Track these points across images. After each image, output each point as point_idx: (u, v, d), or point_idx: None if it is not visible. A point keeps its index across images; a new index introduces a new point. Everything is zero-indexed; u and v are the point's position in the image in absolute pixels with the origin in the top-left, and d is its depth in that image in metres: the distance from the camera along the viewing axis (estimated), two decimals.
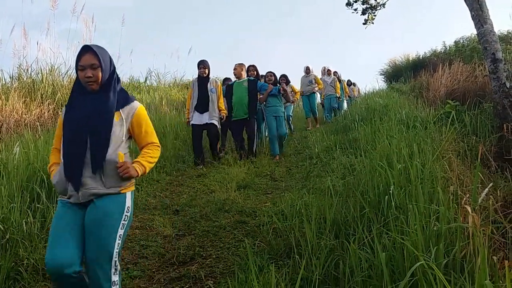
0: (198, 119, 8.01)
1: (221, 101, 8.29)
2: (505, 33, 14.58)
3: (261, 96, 8.86)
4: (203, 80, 8.18)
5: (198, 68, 8.21)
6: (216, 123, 8.08)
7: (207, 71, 8.19)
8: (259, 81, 9.06)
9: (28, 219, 3.78)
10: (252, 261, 2.97)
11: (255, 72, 9.00)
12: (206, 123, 7.97)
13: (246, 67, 9.16)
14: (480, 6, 6.62)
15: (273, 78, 9.39)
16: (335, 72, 15.41)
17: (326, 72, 14.91)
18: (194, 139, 8.08)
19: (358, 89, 21.21)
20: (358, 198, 3.72)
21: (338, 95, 14.68)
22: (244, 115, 8.51)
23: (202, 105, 8.03)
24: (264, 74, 10.16)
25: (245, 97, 8.53)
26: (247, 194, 5.77)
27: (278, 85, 9.31)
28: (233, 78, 9.16)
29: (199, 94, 8.09)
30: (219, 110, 8.18)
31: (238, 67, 8.80)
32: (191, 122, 8.08)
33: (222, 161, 8.00)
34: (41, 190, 4.26)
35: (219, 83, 8.42)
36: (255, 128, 8.79)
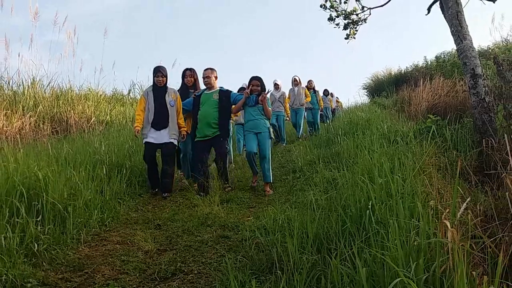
0: (154, 137, 6.69)
1: (181, 116, 7.08)
2: (485, 49, 14.83)
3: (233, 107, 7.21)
4: (160, 90, 6.86)
5: (154, 76, 6.89)
6: (175, 142, 6.89)
7: (165, 80, 6.92)
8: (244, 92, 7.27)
9: (7, 234, 3.72)
10: (233, 276, 2.96)
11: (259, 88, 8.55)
12: (164, 142, 6.72)
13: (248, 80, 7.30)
14: (460, 22, 6.73)
15: (259, 88, 7.05)
16: (310, 81, 14.65)
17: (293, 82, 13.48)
18: (148, 161, 6.67)
19: (336, 99, 21.22)
20: (340, 212, 3.74)
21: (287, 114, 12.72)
22: (210, 134, 6.87)
23: (160, 121, 6.74)
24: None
25: (213, 112, 6.92)
26: (230, 208, 5.75)
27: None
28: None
29: (156, 108, 6.76)
30: (179, 127, 7.00)
31: (210, 73, 7.11)
32: (146, 140, 6.69)
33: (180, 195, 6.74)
34: (21, 204, 4.20)
35: (178, 94, 7.11)
36: (227, 148, 7.28)
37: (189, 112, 7.26)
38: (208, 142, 6.91)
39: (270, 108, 7.06)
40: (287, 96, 12.80)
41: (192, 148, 7.24)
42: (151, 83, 7.05)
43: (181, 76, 7.74)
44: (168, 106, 6.81)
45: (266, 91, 7.18)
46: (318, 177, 6.07)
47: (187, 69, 7.69)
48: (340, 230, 3.49)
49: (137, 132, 6.68)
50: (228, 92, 7.17)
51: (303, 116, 13.53)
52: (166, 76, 6.95)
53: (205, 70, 7.19)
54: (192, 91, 7.51)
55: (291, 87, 13.36)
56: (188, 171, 7.45)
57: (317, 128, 14.31)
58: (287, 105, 12.69)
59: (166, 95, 6.84)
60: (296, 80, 13.28)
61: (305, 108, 13.68)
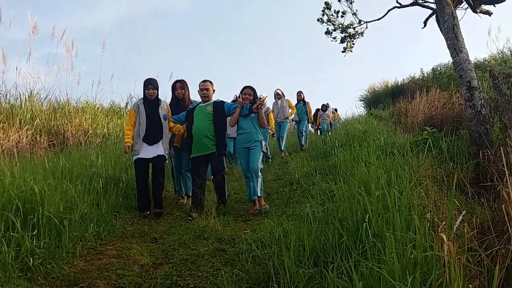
0: (146, 152, 6.35)
1: (172, 125, 6.74)
2: (482, 61, 14.89)
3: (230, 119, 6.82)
4: (152, 103, 6.53)
5: (145, 89, 6.53)
6: (166, 156, 6.58)
7: (156, 93, 6.58)
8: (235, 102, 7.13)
9: (2, 248, 3.70)
10: None
11: (252, 97, 8.38)
12: (155, 156, 6.38)
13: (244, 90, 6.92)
14: (456, 35, 6.77)
15: (251, 98, 6.74)
16: (299, 93, 14.29)
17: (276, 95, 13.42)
18: (139, 178, 6.39)
19: (333, 110, 21.07)
20: (336, 225, 3.73)
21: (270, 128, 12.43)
22: (206, 150, 6.50)
23: (154, 135, 6.40)
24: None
25: (208, 125, 6.54)
26: (227, 221, 5.73)
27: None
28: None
29: (149, 122, 6.40)
30: (170, 128, 6.69)
31: (208, 85, 6.82)
32: (137, 156, 6.33)
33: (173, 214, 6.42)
34: (16, 218, 4.17)
35: (168, 107, 6.84)
36: (224, 164, 6.77)
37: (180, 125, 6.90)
38: (205, 158, 6.54)
39: (264, 117, 6.71)
40: (270, 110, 12.65)
41: (178, 157, 7.12)
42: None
43: (171, 89, 7.37)
44: (162, 119, 6.49)
45: (260, 98, 6.93)
46: (315, 189, 6.06)
47: (177, 81, 7.35)
48: (336, 243, 3.47)
49: (128, 148, 6.29)
50: (222, 103, 6.82)
51: (286, 129, 13.31)
52: (157, 88, 6.61)
53: (203, 82, 6.85)
54: (183, 103, 7.18)
55: (274, 100, 13.36)
56: (180, 186, 7.23)
57: (305, 141, 14.33)
58: (272, 120, 12.57)
59: (159, 109, 6.53)
60: (279, 94, 13.16)
61: (292, 120, 13.79)
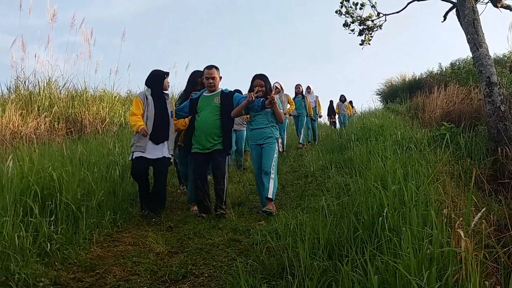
0: (150, 151, 5.57)
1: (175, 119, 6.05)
2: (501, 56, 14.71)
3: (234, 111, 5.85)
4: (162, 96, 5.83)
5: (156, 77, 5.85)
6: (171, 157, 5.90)
7: (168, 86, 5.97)
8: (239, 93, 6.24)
9: (21, 233, 3.75)
10: (244, 280, 2.96)
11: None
12: (159, 157, 5.63)
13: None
14: (476, 30, 6.69)
15: (263, 89, 5.87)
16: (298, 86, 13.52)
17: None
18: (140, 178, 5.65)
19: (348, 104, 20.57)
20: (352, 219, 3.72)
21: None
22: (210, 147, 5.72)
23: (161, 133, 5.66)
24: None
25: (214, 120, 5.73)
26: (241, 212, 5.75)
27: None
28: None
29: (157, 117, 5.64)
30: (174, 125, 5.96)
31: (215, 72, 5.88)
32: (141, 154, 5.51)
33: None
34: (34, 204, 4.23)
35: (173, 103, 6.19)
36: (226, 166, 6.04)
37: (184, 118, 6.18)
38: (207, 155, 5.76)
39: (281, 111, 5.91)
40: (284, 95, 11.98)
41: (184, 162, 6.33)
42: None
43: (190, 78, 6.54)
44: (169, 116, 5.81)
45: (273, 91, 5.89)
46: (330, 183, 6.05)
47: (198, 72, 6.41)
48: (352, 237, 3.47)
49: (145, 129, 5.45)
50: (231, 93, 5.91)
51: (286, 126, 12.48)
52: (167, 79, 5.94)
53: (208, 68, 5.90)
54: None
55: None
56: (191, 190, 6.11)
57: (313, 135, 14.09)
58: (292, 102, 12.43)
59: (167, 104, 5.84)
60: (277, 88, 11.47)
61: (291, 115, 13.21)
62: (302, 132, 13.35)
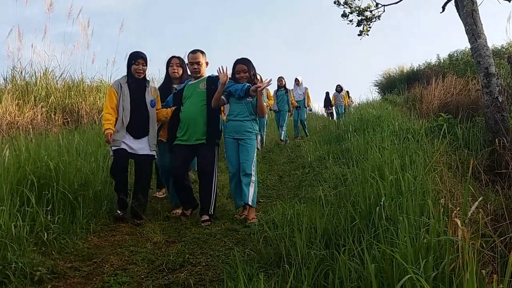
0: (130, 145, 5.00)
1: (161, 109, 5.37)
2: (499, 48, 14.70)
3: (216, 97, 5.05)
4: (139, 84, 5.15)
5: (132, 63, 5.11)
6: (155, 155, 5.22)
7: (146, 70, 5.23)
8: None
9: (18, 223, 3.74)
10: (241, 269, 2.96)
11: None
12: (140, 154, 5.05)
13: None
14: (474, 21, 6.67)
15: (247, 74, 5.17)
16: (280, 78, 12.59)
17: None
18: (118, 173, 5.00)
19: (345, 93, 19.84)
20: (349, 208, 3.72)
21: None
22: (197, 139, 5.07)
23: (139, 126, 5.06)
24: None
25: (201, 107, 5.10)
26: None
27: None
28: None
29: (133, 107, 5.04)
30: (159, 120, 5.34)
31: (200, 57, 5.26)
32: (119, 146, 4.93)
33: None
34: (31, 193, 4.22)
35: (158, 92, 5.43)
36: (216, 159, 5.19)
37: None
38: (191, 148, 5.12)
39: (265, 103, 5.32)
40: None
41: (167, 157, 5.54)
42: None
43: (165, 66, 5.92)
44: (149, 106, 5.15)
45: (265, 82, 5.16)
46: (328, 173, 6.06)
47: (174, 56, 5.89)
48: (349, 226, 3.47)
49: (110, 137, 4.89)
50: (217, 78, 5.16)
51: (265, 122, 11.62)
52: (147, 65, 5.22)
53: (192, 52, 5.28)
54: (175, 86, 5.66)
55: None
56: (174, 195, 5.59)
57: (284, 135, 12.64)
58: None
59: (146, 92, 5.18)
60: (258, 79, 10.07)
61: (271, 110, 12.64)
62: (284, 128, 12.53)
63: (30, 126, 8.24)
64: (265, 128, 11.68)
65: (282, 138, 12.49)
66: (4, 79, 10.14)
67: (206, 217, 4.91)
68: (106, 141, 5.01)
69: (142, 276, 3.51)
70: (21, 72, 10.32)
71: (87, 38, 11.33)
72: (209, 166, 5.09)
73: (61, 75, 11.02)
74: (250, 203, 4.93)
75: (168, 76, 5.87)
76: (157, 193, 6.11)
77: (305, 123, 14.18)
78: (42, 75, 10.47)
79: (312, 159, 8.09)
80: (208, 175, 5.08)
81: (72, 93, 10.53)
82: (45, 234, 3.92)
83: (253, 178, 5.03)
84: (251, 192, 4.96)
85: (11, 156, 4.82)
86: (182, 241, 4.32)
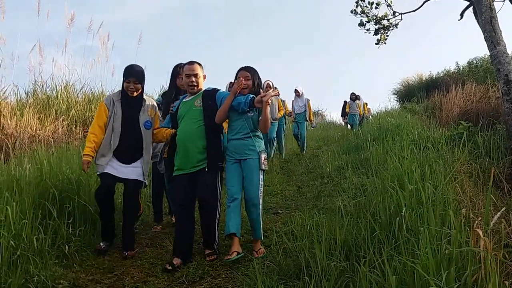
0: (117, 169, 4.43)
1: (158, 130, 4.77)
2: None
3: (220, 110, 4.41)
4: (132, 103, 4.59)
5: (124, 80, 4.54)
6: (146, 181, 4.70)
7: (140, 89, 4.62)
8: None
9: (39, 236, 3.80)
10: (261, 281, 2.95)
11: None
12: (130, 178, 4.49)
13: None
14: (493, 28, 6.61)
15: (250, 83, 4.49)
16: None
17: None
18: (103, 199, 4.39)
19: (364, 104, 19.35)
20: (369, 219, 3.70)
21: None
22: (195, 165, 4.35)
23: (130, 151, 4.51)
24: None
25: (197, 130, 4.39)
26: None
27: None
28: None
29: (124, 129, 4.50)
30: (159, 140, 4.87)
31: (197, 68, 4.55)
32: (104, 170, 4.38)
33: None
34: (53, 207, 4.28)
35: (156, 111, 4.82)
36: (219, 189, 4.42)
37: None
38: (192, 176, 4.37)
39: (269, 116, 4.43)
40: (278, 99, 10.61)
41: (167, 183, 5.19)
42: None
43: (170, 74, 5.42)
44: (142, 128, 4.58)
45: (273, 90, 4.54)
46: (347, 183, 6.02)
47: (180, 65, 5.21)
48: (369, 237, 3.44)
49: (87, 166, 4.35)
50: (213, 91, 4.61)
51: (275, 132, 10.68)
52: (141, 83, 4.61)
53: (189, 63, 4.59)
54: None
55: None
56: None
57: (280, 146, 11.54)
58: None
59: (141, 112, 4.62)
60: (270, 86, 8.99)
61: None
62: (282, 142, 11.55)
63: (52, 139, 8.35)
64: (282, 138, 11.29)
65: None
66: (25, 93, 10.31)
67: (209, 251, 4.30)
68: (82, 169, 4.43)
69: None
70: (42, 86, 10.49)
71: (107, 52, 11.48)
72: (211, 195, 4.33)
73: (81, 89, 11.19)
74: (261, 236, 4.42)
75: (175, 88, 5.30)
76: (155, 227, 5.47)
77: (305, 139, 12.53)
78: (63, 88, 10.63)
79: (331, 169, 8.05)
80: (210, 206, 4.34)
81: (93, 106, 10.66)
82: (67, 247, 3.98)
83: (261, 207, 4.40)
84: (260, 225, 4.38)
85: (33, 169, 4.89)
86: (202, 253, 4.32)
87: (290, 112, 12.58)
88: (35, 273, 3.39)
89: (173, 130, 4.61)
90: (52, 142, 7.70)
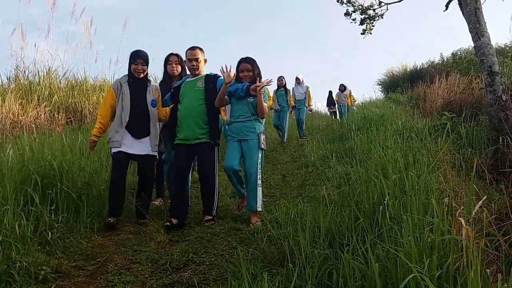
0: (131, 145, 4.87)
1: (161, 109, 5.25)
2: (503, 46, 14.66)
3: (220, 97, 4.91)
4: (139, 84, 5.02)
5: (132, 62, 4.99)
6: (157, 155, 5.13)
7: (146, 70, 5.07)
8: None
9: (22, 222, 3.75)
10: (245, 268, 2.96)
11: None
12: (142, 154, 4.93)
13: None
14: (478, 19, 6.66)
15: (251, 73, 5.06)
16: (280, 78, 12.28)
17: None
18: (117, 178, 4.85)
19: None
20: (353, 207, 3.72)
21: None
22: (196, 138, 4.92)
23: (140, 126, 4.93)
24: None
25: (199, 105, 4.96)
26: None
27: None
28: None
29: (133, 107, 4.92)
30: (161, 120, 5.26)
31: (198, 53, 5.12)
32: (119, 149, 4.83)
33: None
34: (35, 193, 4.23)
35: (159, 92, 5.29)
36: (216, 160, 5.05)
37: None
38: (191, 148, 4.96)
39: (266, 104, 5.00)
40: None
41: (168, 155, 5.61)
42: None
43: (163, 63, 5.93)
44: (149, 106, 5.03)
45: (264, 80, 4.93)
46: (331, 172, 6.05)
47: (172, 54, 5.86)
48: (352, 225, 3.47)
49: (93, 145, 4.94)
50: (215, 77, 5.11)
51: (285, 118, 11.92)
52: (147, 65, 5.08)
53: (191, 49, 5.13)
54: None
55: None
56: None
57: (284, 134, 12.15)
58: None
59: (147, 92, 5.06)
60: (261, 76, 9.99)
61: (271, 109, 12.17)
62: (286, 129, 12.21)
63: (34, 125, 8.25)
64: (286, 124, 11.97)
65: (285, 141, 11.99)
66: (7, 79, 10.15)
67: (209, 217, 4.84)
68: (89, 148, 5.00)
69: (146, 275, 3.52)
70: (24, 72, 10.33)
71: (90, 37, 11.31)
72: (210, 168, 4.96)
73: (64, 74, 11.03)
74: (259, 208, 4.85)
75: (167, 74, 5.85)
76: (154, 201, 5.79)
77: (304, 123, 13.54)
78: (45, 74, 10.47)
79: (316, 158, 8.08)
80: (209, 177, 4.94)
81: (75, 92, 10.54)
82: (49, 234, 3.92)
83: (259, 182, 4.89)
84: (259, 197, 4.85)
85: (15, 155, 4.83)
86: (186, 240, 4.32)
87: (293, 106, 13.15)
88: (17, 259, 3.35)
89: (171, 106, 5.19)
90: (34, 128, 7.61)
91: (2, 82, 10.03)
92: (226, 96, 4.97)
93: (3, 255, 3.32)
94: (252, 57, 5.17)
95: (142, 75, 5.02)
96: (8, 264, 3.30)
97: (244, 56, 5.17)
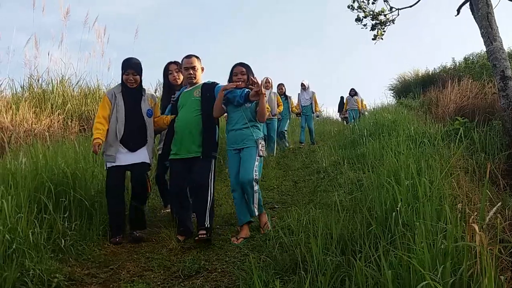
0: (125, 158, 4.75)
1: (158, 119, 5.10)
2: None
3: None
4: (133, 94, 4.88)
5: (123, 73, 4.86)
6: (151, 162, 4.98)
7: (138, 80, 4.91)
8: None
9: (35, 230, 3.78)
10: (257, 276, 2.96)
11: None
12: (138, 162, 4.78)
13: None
14: (490, 24, 6.62)
15: (245, 77, 4.82)
16: (280, 85, 12.12)
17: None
18: (114, 195, 4.71)
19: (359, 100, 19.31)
20: (365, 214, 3.70)
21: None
22: (190, 152, 4.70)
23: (135, 138, 4.80)
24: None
25: (195, 118, 4.73)
26: None
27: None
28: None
29: (128, 118, 4.78)
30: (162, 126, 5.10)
31: (195, 61, 4.90)
32: (113, 164, 4.72)
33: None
34: (48, 201, 4.26)
35: (156, 100, 5.19)
36: (213, 176, 4.74)
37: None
38: (187, 162, 4.72)
39: (268, 106, 4.83)
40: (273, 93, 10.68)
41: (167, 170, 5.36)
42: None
43: (163, 72, 5.74)
44: (145, 116, 4.88)
45: (261, 83, 4.89)
46: (343, 178, 6.03)
47: (172, 62, 5.64)
48: (365, 232, 3.45)
49: (98, 147, 4.59)
50: (213, 85, 4.89)
51: (275, 129, 10.99)
52: (140, 74, 4.91)
53: (187, 57, 4.93)
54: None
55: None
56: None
57: (275, 141, 11.15)
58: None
59: (142, 101, 4.91)
60: (269, 82, 10.35)
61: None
62: (285, 135, 12.15)
63: (47, 133, 8.31)
64: (275, 133, 11.01)
65: (273, 153, 10.78)
66: (21, 87, 10.24)
67: (203, 234, 4.41)
68: (92, 151, 4.62)
69: (159, 283, 3.53)
70: (38, 80, 10.42)
71: (103, 46, 11.40)
72: (203, 178, 4.61)
73: (77, 83, 11.10)
74: (256, 213, 4.71)
75: (169, 84, 5.62)
76: (165, 209, 5.82)
77: (313, 130, 13.44)
78: (58, 82, 10.55)
79: (327, 164, 8.05)
80: (202, 187, 4.58)
81: (88, 100, 10.61)
82: (62, 241, 3.95)
83: (255, 188, 4.64)
84: (255, 203, 4.66)
85: (29, 163, 4.87)
86: (198, 247, 4.32)
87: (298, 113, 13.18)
88: (31, 267, 3.38)
89: (173, 116, 4.93)
90: (48, 136, 7.68)
91: (16, 91, 10.12)
92: (222, 105, 4.75)
93: (17, 263, 3.35)
94: (246, 63, 4.97)
95: (134, 85, 4.88)
96: (22, 272, 3.33)
97: (239, 61, 4.98)
